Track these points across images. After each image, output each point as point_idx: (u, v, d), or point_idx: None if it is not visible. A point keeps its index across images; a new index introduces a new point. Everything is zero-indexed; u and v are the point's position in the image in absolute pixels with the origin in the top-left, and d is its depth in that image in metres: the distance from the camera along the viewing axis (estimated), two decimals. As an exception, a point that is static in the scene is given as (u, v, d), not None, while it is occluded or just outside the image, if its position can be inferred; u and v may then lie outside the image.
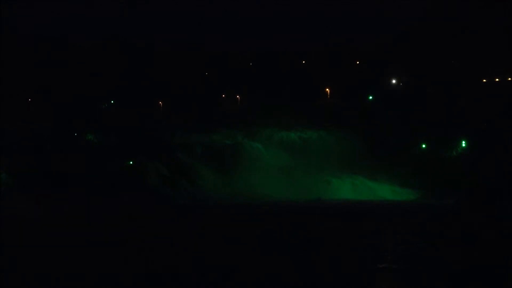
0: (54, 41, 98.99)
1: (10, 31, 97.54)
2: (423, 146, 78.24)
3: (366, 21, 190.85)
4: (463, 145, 76.87)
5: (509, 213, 54.45)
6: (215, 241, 38.30)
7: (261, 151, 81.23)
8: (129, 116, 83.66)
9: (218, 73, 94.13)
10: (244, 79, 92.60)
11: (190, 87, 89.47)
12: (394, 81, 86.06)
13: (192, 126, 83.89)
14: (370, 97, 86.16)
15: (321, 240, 38.06)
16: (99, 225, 48.13)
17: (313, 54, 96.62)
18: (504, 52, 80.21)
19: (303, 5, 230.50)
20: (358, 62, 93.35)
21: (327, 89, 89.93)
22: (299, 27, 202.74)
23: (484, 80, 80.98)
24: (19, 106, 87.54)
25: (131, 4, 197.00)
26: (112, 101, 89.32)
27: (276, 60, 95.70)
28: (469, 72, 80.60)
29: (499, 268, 28.19)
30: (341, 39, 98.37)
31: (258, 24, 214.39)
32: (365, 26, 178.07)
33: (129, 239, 38.55)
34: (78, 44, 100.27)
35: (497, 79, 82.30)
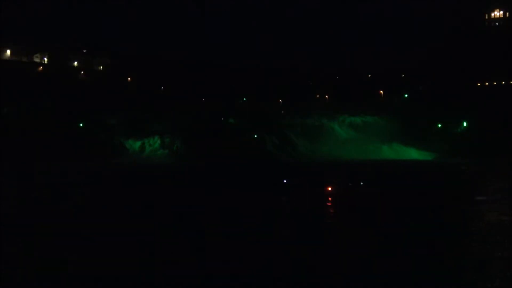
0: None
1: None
2: (439, 125, 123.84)
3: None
4: (464, 125, 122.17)
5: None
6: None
7: (337, 129, 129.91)
8: (255, 107, 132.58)
9: (314, 83, 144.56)
10: (331, 87, 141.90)
11: (295, 92, 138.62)
12: (420, 87, 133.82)
13: (294, 113, 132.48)
14: (406, 95, 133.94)
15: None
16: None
17: (371, 73, 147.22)
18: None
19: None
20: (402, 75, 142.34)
21: (381, 91, 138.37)
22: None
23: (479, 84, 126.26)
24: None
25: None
26: (244, 98, 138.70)
27: (348, 75, 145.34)
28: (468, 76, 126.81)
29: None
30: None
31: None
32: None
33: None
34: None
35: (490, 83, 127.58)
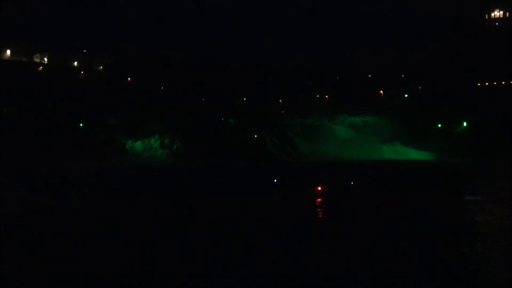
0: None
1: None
2: (439, 125, 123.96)
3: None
4: (464, 125, 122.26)
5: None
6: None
7: (337, 129, 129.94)
8: (255, 107, 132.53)
9: (314, 83, 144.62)
10: (331, 87, 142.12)
11: (295, 92, 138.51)
12: (420, 87, 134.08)
13: (294, 113, 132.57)
14: (406, 95, 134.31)
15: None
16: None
17: (371, 73, 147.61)
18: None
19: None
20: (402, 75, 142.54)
21: (381, 91, 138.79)
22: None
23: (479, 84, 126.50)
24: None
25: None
26: (244, 98, 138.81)
27: (348, 75, 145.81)
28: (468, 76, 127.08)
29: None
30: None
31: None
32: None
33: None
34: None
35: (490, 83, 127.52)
